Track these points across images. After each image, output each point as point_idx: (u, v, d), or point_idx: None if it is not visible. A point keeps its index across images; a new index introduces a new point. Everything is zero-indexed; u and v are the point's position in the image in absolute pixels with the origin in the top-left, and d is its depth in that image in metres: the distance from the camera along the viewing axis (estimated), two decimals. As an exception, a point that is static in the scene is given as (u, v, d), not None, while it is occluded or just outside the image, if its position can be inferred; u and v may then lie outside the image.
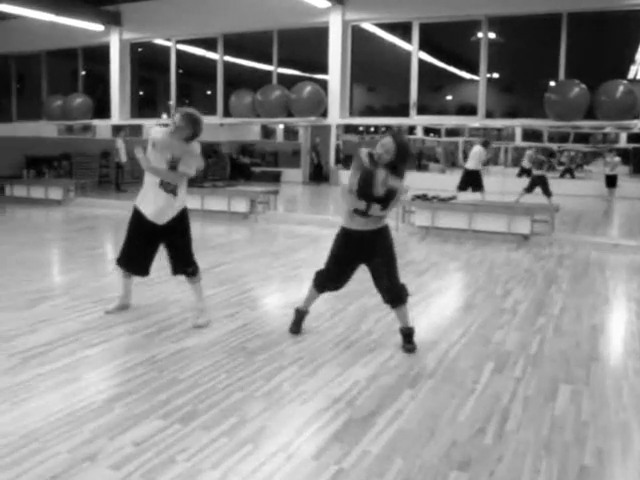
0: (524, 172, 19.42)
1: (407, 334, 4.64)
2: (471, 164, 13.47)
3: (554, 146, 22.42)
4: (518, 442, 3.25)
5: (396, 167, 4.38)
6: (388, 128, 23.63)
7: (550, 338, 5.02)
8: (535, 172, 13.74)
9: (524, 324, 5.39)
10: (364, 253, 4.57)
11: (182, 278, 6.78)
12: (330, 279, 4.75)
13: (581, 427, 3.43)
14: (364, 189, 4.39)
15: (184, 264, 5.28)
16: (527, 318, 5.57)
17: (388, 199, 4.41)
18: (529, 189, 13.38)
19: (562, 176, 20.51)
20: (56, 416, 3.44)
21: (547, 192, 13.14)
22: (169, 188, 5.01)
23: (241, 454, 3.06)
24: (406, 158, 4.42)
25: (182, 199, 5.15)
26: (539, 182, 13.33)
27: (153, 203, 5.02)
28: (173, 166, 4.97)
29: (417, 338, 4.64)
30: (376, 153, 4.36)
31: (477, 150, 13.58)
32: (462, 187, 13.31)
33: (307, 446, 3.16)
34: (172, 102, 13.87)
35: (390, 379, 4.07)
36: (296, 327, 4.96)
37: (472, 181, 13.32)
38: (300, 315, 4.98)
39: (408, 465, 3.00)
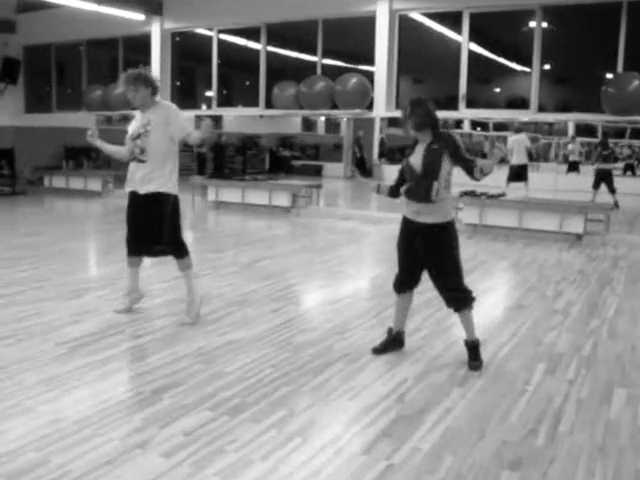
0: (573, 166, 19.28)
1: (471, 347, 4.39)
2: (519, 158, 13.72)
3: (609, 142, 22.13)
4: (571, 444, 3.30)
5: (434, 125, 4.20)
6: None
7: (604, 341, 5.03)
8: (600, 166, 13.60)
9: (577, 326, 5.40)
10: (420, 248, 4.34)
11: (225, 272, 6.97)
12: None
13: (637, 431, 3.46)
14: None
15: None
16: (580, 320, 5.58)
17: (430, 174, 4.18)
18: (596, 185, 13.35)
19: (625, 172, 20.19)
20: (106, 404, 3.60)
21: (612, 188, 13.13)
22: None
23: (290, 447, 3.17)
24: (417, 111, 4.16)
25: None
26: (605, 176, 13.29)
27: None
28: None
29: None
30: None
31: (520, 139, 13.78)
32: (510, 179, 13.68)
33: (356, 441, 3.26)
34: (212, 94, 14.05)
35: (439, 377, 4.14)
36: (381, 347, 4.59)
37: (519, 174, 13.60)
38: (389, 334, 4.64)
39: (459, 463, 3.07)
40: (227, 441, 3.21)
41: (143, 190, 5.04)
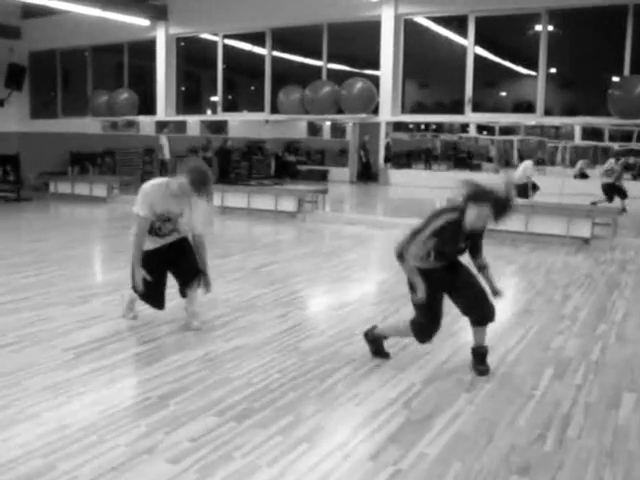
0: (582, 176, 19.30)
1: (479, 354, 4.39)
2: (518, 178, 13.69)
3: (615, 145, 22.09)
4: (580, 449, 3.29)
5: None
6: (439, 127, 23.60)
7: (612, 345, 5.02)
8: (605, 180, 13.69)
9: (585, 330, 5.39)
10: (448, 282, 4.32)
11: (231, 277, 6.98)
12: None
13: (646, 436, 3.46)
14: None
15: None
16: (588, 324, 5.56)
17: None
18: (609, 199, 13.44)
19: (635, 178, 20.15)
20: (112, 410, 3.60)
21: (624, 195, 13.25)
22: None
23: (297, 453, 3.17)
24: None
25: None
26: (610, 190, 13.40)
27: None
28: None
29: (473, 343, 4.65)
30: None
31: (526, 165, 13.84)
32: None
33: (363, 446, 3.25)
34: (218, 99, 14.07)
35: (446, 383, 4.14)
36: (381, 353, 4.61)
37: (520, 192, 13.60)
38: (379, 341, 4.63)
39: (466, 468, 3.07)
40: (234, 447, 3.21)
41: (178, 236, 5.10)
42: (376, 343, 4.61)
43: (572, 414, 3.70)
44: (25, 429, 3.36)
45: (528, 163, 14.01)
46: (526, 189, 13.57)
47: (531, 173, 13.70)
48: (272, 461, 3.09)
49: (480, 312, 4.33)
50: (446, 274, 4.28)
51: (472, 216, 4.01)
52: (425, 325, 4.30)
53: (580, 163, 19.67)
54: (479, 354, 4.40)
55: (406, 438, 3.34)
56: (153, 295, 5.10)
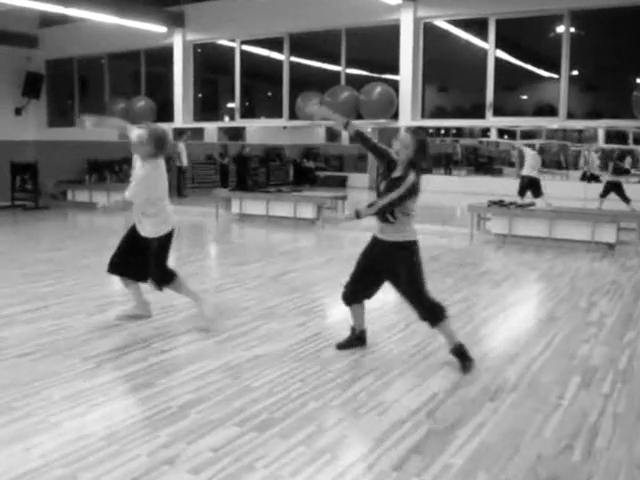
0: (592, 178, 19.02)
1: (458, 352, 4.52)
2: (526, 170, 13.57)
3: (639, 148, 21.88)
4: (609, 461, 3.25)
5: (414, 165, 4.36)
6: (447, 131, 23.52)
7: (640, 353, 4.98)
8: (610, 178, 13.50)
9: (611, 338, 5.33)
10: (382, 265, 4.59)
11: (250, 285, 7.00)
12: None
13: (677, 446, 3.41)
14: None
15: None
16: (615, 332, 5.51)
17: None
18: (603, 194, 13.23)
19: None
20: (133, 420, 3.62)
21: (625, 199, 12.99)
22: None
23: (320, 463, 3.16)
24: (425, 155, 4.40)
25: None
26: (613, 189, 13.17)
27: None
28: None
29: (497, 351, 4.64)
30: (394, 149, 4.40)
31: (533, 154, 13.69)
32: (521, 193, 13.45)
33: (387, 457, 3.24)
34: (235, 105, 14.13)
35: (470, 392, 4.12)
36: (345, 343, 4.92)
37: (529, 187, 13.39)
38: (352, 333, 4.95)
39: (492, 479, 3.05)
40: (256, 457, 3.21)
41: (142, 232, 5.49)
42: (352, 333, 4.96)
43: (600, 424, 3.67)
44: (46, 439, 3.38)
45: (531, 152, 13.83)
46: (539, 185, 13.40)
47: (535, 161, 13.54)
48: (294, 472, 3.08)
49: (422, 317, 4.55)
50: (380, 253, 4.56)
51: (395, 142, 4.40)
52: (348, 286, 4.83)
53: (592, 159, 19.36)
54: (458, 354, 4.52)
55: (430, 449, 3.33)
56: (113, 257, 5.78)
